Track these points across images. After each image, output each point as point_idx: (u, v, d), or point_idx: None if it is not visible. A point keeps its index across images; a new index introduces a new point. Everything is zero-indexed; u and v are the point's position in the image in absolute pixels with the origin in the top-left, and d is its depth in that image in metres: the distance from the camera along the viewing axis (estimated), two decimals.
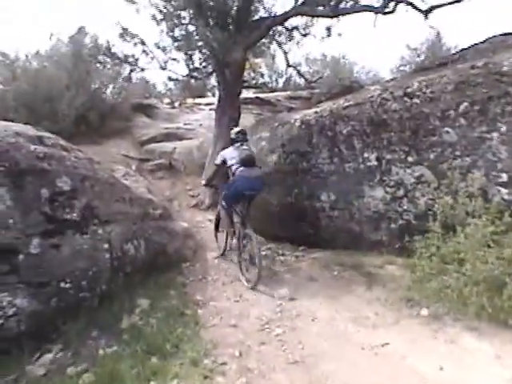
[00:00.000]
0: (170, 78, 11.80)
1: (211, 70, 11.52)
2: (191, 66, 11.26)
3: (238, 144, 7.85)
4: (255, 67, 16.85)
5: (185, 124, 14.35)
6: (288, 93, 18.42)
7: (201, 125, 13.92)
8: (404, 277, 6.34)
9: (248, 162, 7.54)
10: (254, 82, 15.27)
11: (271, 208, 8.75)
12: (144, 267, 7.27)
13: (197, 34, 10.64)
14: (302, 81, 17.16)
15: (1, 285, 5.53)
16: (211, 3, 10.41)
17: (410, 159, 6.92)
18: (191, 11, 10.57)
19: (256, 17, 11.43)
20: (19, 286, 5.67)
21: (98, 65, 12.96)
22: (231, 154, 7.78)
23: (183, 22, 10.81)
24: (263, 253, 8.02)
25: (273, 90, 18.79)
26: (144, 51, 11.20)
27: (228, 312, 6.11)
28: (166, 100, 15.54)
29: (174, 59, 11.12)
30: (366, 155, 7.59)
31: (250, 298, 6.55)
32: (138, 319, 6.12)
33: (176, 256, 8.08)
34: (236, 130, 8.22)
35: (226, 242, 8.43)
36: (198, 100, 15.11)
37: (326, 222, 8.16)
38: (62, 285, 6.07)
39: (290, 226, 8.68)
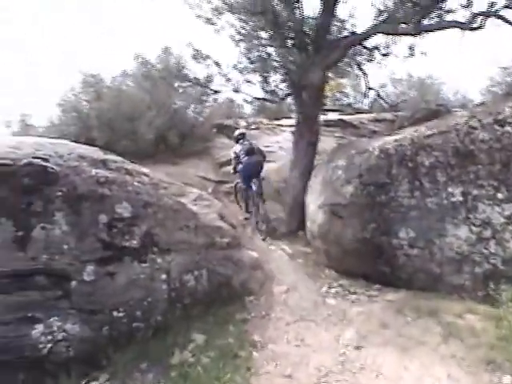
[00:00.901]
0: (245, 101, 11.64)
1: (288, 92, 11.22)
2: (267, 89, 11.04)
3: (241, 141, 11.58)
4: (339, 88, 16.45)
5: (265, 146, 14.13)
6: (373, 115, 17.78)
7: (281, 147, 13.68)
8: (486, 331, 5.63)
9: (250, 151, 11.25)
10: (338, 102, 14.86)
11: (346, 242, 8.26)
12: (204, 299, 7.07)
13: (272, 56, 10.46)
14: (388, 101, 16.52)
15: (52, 309, 5.60)
16: (289, 23, 10.16)
17: (499, 196, 6.35)
18: (269, 32, 10.37)
19: (335, 36, 11.03)
20: (70, 312, 5.71)
21: (176, 85, 13.04)
22: (239, 148, 11.43)
23: (262, 42, 10.64)
24: (333, 290, 7.89)
25: (357, 112, 18.22)
26: (218, 73, 11.13)
27: (285, 358, 5.74)
28: (243, 122, 15.43)
29: (249, 81, 10.94)
30: (450, 190, 7.03)
31: (312, 343, 6.14)
32: (190, 356, 5.94)
33: (241, 288, 7.78)
34: (237, 132, 11.91)
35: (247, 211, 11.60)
36: (279, 121, 14.89)
37: (403, 260, 7.58)
38: (115, 314, 6.04)
39: (364, 262, 8.16)
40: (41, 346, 5.45)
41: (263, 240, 10.21)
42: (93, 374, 5.50)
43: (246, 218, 11.60)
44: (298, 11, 10.47)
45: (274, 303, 7.50)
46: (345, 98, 19.29)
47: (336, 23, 11.23)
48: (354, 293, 7.83)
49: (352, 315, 6.89)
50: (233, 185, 12.50)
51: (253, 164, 11.11)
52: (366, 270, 8.20)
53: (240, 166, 11.33)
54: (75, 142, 8.73)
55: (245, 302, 7.47)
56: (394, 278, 7.79)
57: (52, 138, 8.96)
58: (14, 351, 5.39)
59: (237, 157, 11.36)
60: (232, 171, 11.91)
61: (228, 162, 13.38)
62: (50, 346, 5.47)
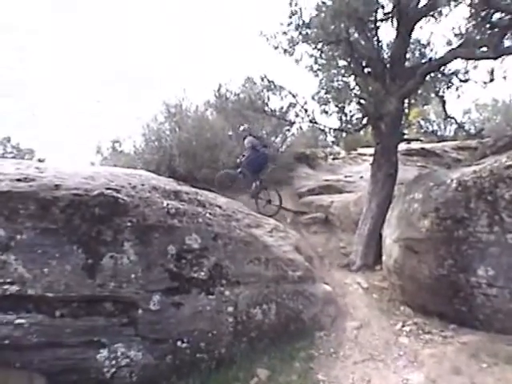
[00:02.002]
0: (322, 131, 11.50)
1: (364, 122, 11.03)
2: (343, 119, 10.92)
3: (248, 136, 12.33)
4: (422, 115, 16.00)
5: (345, 176, 13.98)
6: (456, 142, 17.07)
7: (361, 177, 13.45)
8: None
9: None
10: (421, 130, 14.41)
11: (421, 278, 7.95)
12: (271, 334, 7.08)
13: (349, 85, 10.36)
14: (472, 128, 15.86)
15: (117, 335, 5.83)
16: (364, 51, 10.06)
17: None
18: (345, 60, 10.31)
19: (411, 63, 10.77)
20: (135, 339, 5.91)
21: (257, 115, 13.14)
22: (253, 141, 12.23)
23: (339, 72, 10.58)
24: (407, 328, 7.59)
25: (441, 140, 17.56)
26: (292, 104, 11.15)
27: None
28: (321, 153, 15.32)
29: (326, 112, 10.84)
30: None
31: None
32: None
33: (311, 323, 7.71)
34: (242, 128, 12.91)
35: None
36: (361, 150, 14.67)
37: (481, 299, 7.19)
38: (179, 343, 6.18)
39: (440, 299, 7.81)
40: (105, 369, 5.69)
41: (271, 216, 10.76)
42: None
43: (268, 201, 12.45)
44: (373, 39, 10.34)
45: (344, 340, 7.35)
46: (429, 126, 18.74)
47: (412, 50, 10.97)
48: (429, 332, 7.49)
49: (424, 357, 6.61)
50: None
51: (261, 155, 12.37)
52: (441, 308, 7.84)
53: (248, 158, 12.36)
54: (155, 171, 9.05)
55: (314, 338, 7.38)
56: (471, 318, 7.39)
57: (131, 167, 9.32)
58: (80, 373, 5.62)
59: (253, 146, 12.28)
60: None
61: (308, 192, 13.38)
62: (113, 370, 5.69)
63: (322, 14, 9.86)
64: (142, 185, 6.75)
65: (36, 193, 5.68)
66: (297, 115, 11.46)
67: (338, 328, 7.73)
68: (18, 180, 5.81)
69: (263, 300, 7.20)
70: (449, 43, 10.30)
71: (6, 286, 5.39)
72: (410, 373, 6.14)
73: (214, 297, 6.66)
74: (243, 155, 12.56)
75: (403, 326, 7.69)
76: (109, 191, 6.07)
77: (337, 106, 10.76)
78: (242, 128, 12.78)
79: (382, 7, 10.32)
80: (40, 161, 17.38)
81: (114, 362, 5.78)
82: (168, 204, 6.71)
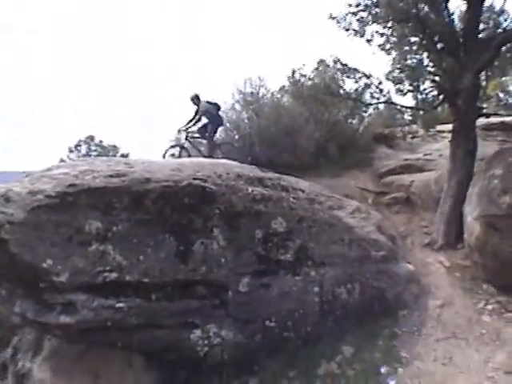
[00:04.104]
0: (398, 111, 11.37)
1: (440, 99, 10.79)
2: (419, 97, 10.76)
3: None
4: (501, 87, 15.37)
5: (425, 154, 13.68)
6: None
7: (441, 155, 13.13)
8: None
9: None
10: (501, 103, 13.86)
11: (503, 256, 7.84)
12: (356, 312, 7.33)
13: (423, 62, 10.19)
14: None
15: (209, 317, 6.34)
16: (436, 27, 9.83)
17: None
18: (418, 37, 10.12)
19: (484, 35, 10.37)
20: (226, 320, 6.41)
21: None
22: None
23: (412, 48, 10.41)
24: (490, 307, 7.53)
25: None
26: (367, 85, 11.08)
27: (430, 377, 5.78)
28: (399, 133, 15.02)
29: (401, 91, 10.72)
30: None
31: (460, 363, 6.07)
32: (336, 367, 6.16)
33: (394, 302, 7.88)
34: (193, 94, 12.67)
35: None
36: (439, 127, 14.31)
37: None
38: (268, 323, 6.62)
39: None
40: (198, 348, 6.13)
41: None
42: (244, 377, 5.98)
43: None
44: (444, 12, 10.08)
45: (426, 318, 7.47)
46: (509, 98, 17.91)
47: (485, 20, 10.57)
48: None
49: (506, 336, 6.65)
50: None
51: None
52: None
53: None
54: (237, 159, 9.33)
55: (397, 316, 7.56)
56: None
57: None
58: (176, 352, 6.07)
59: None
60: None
61: (388, 173, 13.27)
62: (206, 349, 6.11)
63: None
64: (227, 173, 7.09)
65: (129, 187, 6.15)
66: (372, 96, 11.42)
67: (420, 306, 7.85)
68: (111, 176, 6.31)
69: (348, 280, 7.44)
70: None
71: (105, 274, 5.93)
72: (492, 351, 6.22)
73: (300, 277, 6.97)
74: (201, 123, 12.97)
75: (486, 305, 7.66)
76: (196, 181, 6.47)
77: (411, 84, 10.62)
78: (192, 94, 12.76)
79: None
80: (123, 156, 18.13)
81: (206, 341, 6.21)
82: (253, 190, 7.04)
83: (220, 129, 13.45)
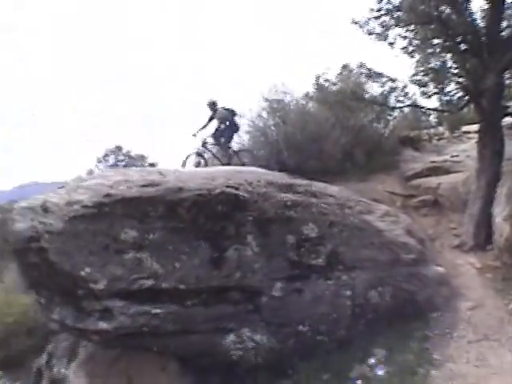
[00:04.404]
0: (424, 113, 11.37)
1: (465, 101, 10.76)
2: (444, 99, 10.75)
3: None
4: None
5: (451, 156, 13.64)
6: None
7: (468, 156, 13.06)
8: None
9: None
10: None
11: None
12: (387, 315, 7.41)
13: (447, 64, 10.19)
14: None
15: (243, 321, 6.55)
16: (458, 28, 9.82)
17: None
18: (440, 39, 10.12)
19: (507, 33, 10.25)
20: (260, 324, 6.61)
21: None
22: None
23: (436, 50, 10.41)
24: None
25: None
26: (392, 89, 11.11)
27: (463, 379, 5.84)
28: (425, 135, 14.99)
29: (426, 93, 10.73)
30: None
31: (493, 364, 6.09)
32: (369, 370, 6.21)
33: (425, 304, 7.93)
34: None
35: None
36: (466, 128, 14.21)
37: None
38: (301, 327, 6.79)
39: None
40: (232, 353, 6.32)
41: None
42: (277, 381, 6.10)
43: None
44: (466, 13, 10.07)
45: (458, 320, 7.49)
46: None
47: (508, 17, 10.44)
48: None
49: None
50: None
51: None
52: None
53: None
54: (265, 166, 9.47)
55: (428, 319, 7.60)
56: None
57: (242, 165, 9.81)
58: (210, 357, 6.25)
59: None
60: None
61: (415, 175, 13.27)
62: (240, 353, 6.29)
63: None
64: (258, 181, 7.26)
65: (163, 196, 6.35)
66: (398, 100, 11.45)
67: (451, 309, 7.86)
68: (145, 186, 6.52)
69: (379, 283, 7.54)
70: None
71: (142, 281, 6.14)
72: None
73: (332, 282, 7.11)
74: (217, 129, 12.94)
75: None
76: (229, 189, 6.65)
77: (436, 87, 10.62)
78: (209, 101, 12.94)
79: None
80: (151, 165, 18.29)
81: (240, 345, 6.38)
82: (284, 197, 7.20)
83: (236, 135, 13.65)
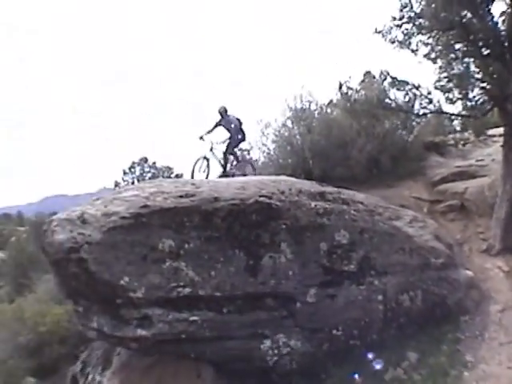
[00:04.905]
0: (449, 119, 11.42)
1: (490, 106, 10.78)
2: (468, 104, 10.79)
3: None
4: None
5: (477, 160, 13.68)
6: None
7: (493, 160, 13.09)
8: None
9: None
10: None
11: None
12: (419, 319, 7.59)
13: (470, 69, 10.25)
14: None
15: (278, 327, 6.77)
16: (480, 33, 9.87)
17: None
18: (463, 44, 10.19)
19: None
20: (294, 330, 6.83)
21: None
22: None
23: (458, 55, 10.46)
24: None
25: None
26: (416, 96, 11.18)
27: (496, 380, 5.96)
28: (450, 140, 15.03)
29: (450, 99, 10.78)
30: None
31: None
32: (402, 373, 6.40)
33: (456, 308, 8.08)
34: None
35: None
36: (490, 131, 14.23)
37: None
38: (334, 332, 7.02)
39: None
40: (268, 358, 6.52)
41: None
42: None
43: None
44: (487, 18, 10.13)
45: (488, 323, 7.60)
46: None
47: None
48: None
49: None
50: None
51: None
52: None
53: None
54: (292, 175, 9.67)
55: (459, 322, 7.72)
56: None
57: (272, 174, 10.01)
58: (246, 362, 6.47)
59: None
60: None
61: (441, 181, 13.32)
62: (275, 358, 6.50)
63: (432, 5, 9.87)
64: (290, 189, 7.48)
65: (198, 206, 6.60)
66: (422, 106, 11.52)
67: (481, 311, 7.98)
68: (181, 196, 6.78)
69: (410, 287, 7.71)
70: None
71: (179, 289, 6.38)
72: None
73: (364, 287, 7.29)
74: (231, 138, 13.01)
75: None
76: (262, 198, 6.88)
77: (460, 92, 10.66)
78: (221, 107, 12.92)
79: None
80: (178, 176, 18.52)
81: (276, 351, 6.58)
82: (316, 205, 7.41)
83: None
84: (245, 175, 12.19)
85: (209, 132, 12.98)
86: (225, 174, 12.57)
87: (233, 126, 12.89)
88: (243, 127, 13.33)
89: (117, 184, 19.73)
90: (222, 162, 12.98)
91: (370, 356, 6.81)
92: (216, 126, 12.99)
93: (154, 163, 20.83)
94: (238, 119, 13.18)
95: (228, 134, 12.98)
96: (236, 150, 13.61)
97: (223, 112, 12.94)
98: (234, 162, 13.35)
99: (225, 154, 12.90)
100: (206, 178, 12.05)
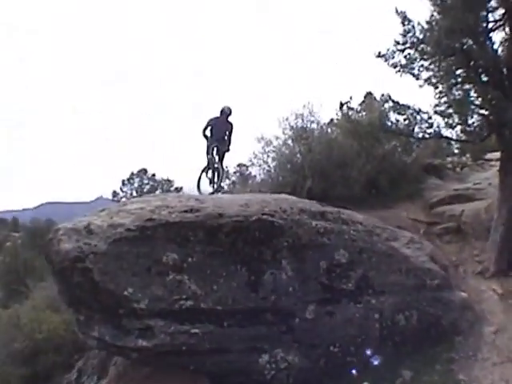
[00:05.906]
0: (447, 144, 11.63)
1: (488, 131, 10.99)
2: (467, 130, 10.99)
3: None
4: None
5: (474, 184, 13.91)
6: None
7: (490, 184, 13.31)
8: None
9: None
10: None
11: None
12: (414, 338, 7.78)
13: (470, 95, 10.46)
14: None
15: (277, 342, 6.95)
16: (479, 60, 10.10)
17: None
18: (463, 71, 10.41)
19: None
20: (293, 345, 7.01)
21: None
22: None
23: (458, 81, 10.67)
24: None
25: None
26: (416, 120, 11.38)
27: None
28: (448, 163, 15.28)
29: (450, 124, 10.99)
30: None
31: None
32: None
33: (450, 328, 8.25)
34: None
35: None
36: (488, 155, 14.47)
37: None
38: (331, 348, 7.20)
39: None
40: (265, 372, 6.77)
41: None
42: None
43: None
44: (487, 45, 10.38)
45: (482, 343, 7.78)
46: None
47: None
48: None
49: None
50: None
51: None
52: None
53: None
54: (291, 193, 9.88)
55: (453, 342, 7.90)
56: None
57: (273, 192, 10.20)
58: (244, 375, 6.70)
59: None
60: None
61: (438, 203, 13.53)
62: (273, 373, 6.74)
63: (435, 32, 10.13)
64: (291, 208, 7.72)
65: (203, 222, 6.84)
66: (422, 130, 11.71)
67: (475, 332, 8.14)
68: (186, 211, 7.02)
69: (406, 307, 7.93)
70: None
71: (182, 302, 6.59)
72: None
73: (361, 305, 7.52)
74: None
75: None
76: (265, 216, 7.12)
77: (459, 118, 10.84)
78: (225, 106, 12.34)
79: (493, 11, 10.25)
80: (178, 190, 18.62)
81: (274, 365, 6.79)
82: (317, 224, 7.64)
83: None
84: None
85: (204, 130, 12.45)
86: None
87: (216, 130, 12.42)
88: (231, 136, 12.75)
89: (115, 194, 19.90)
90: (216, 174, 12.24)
91: (365, 373, 6.99)
92: (208, 124, 12.43)
93: (154, 175, 20.96)
94: (231, 125, 12.69)
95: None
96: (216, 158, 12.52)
97: (223, 112, 12.48)
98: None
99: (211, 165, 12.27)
100: (213, 187, 11.66)
